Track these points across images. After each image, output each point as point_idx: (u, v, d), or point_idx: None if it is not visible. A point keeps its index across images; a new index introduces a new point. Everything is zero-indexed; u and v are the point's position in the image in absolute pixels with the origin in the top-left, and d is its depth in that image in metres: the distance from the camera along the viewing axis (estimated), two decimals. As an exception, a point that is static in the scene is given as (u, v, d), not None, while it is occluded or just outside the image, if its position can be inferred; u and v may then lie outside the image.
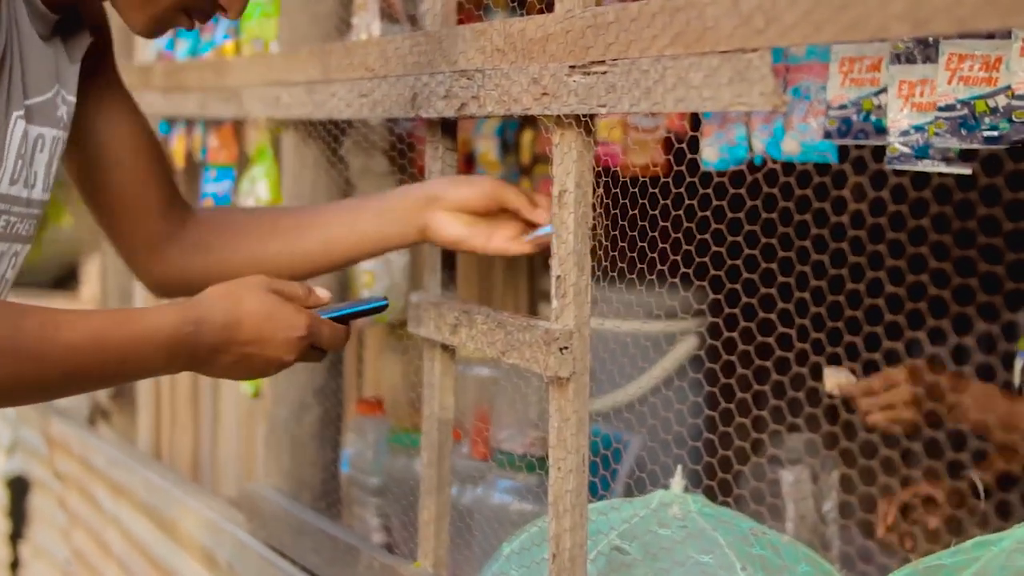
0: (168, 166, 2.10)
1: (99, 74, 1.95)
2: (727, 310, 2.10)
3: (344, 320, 1.83)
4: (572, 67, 1.84)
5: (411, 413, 3.20)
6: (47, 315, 1.54)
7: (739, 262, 2.03)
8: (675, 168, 2.04)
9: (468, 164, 3.42)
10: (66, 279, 9.81)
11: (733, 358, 2.14)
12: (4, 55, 1.60)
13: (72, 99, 1.78)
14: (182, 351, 1.62)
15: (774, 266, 2.09)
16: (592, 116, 1.86)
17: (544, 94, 1.90)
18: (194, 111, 3.34)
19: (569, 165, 1.89)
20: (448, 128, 2.28)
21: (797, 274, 2.09)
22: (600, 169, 1.93)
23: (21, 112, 1.65)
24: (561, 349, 1.90)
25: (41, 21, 1.70)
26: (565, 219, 1.90)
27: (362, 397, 3.33)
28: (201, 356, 1.65)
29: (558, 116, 1.89)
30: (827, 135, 2.08)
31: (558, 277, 1.92)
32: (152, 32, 1.75)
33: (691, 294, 2.65)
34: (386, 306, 1.90)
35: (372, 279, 2.97)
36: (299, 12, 2.91)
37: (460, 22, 2.26)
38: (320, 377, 2.93)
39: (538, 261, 3.93)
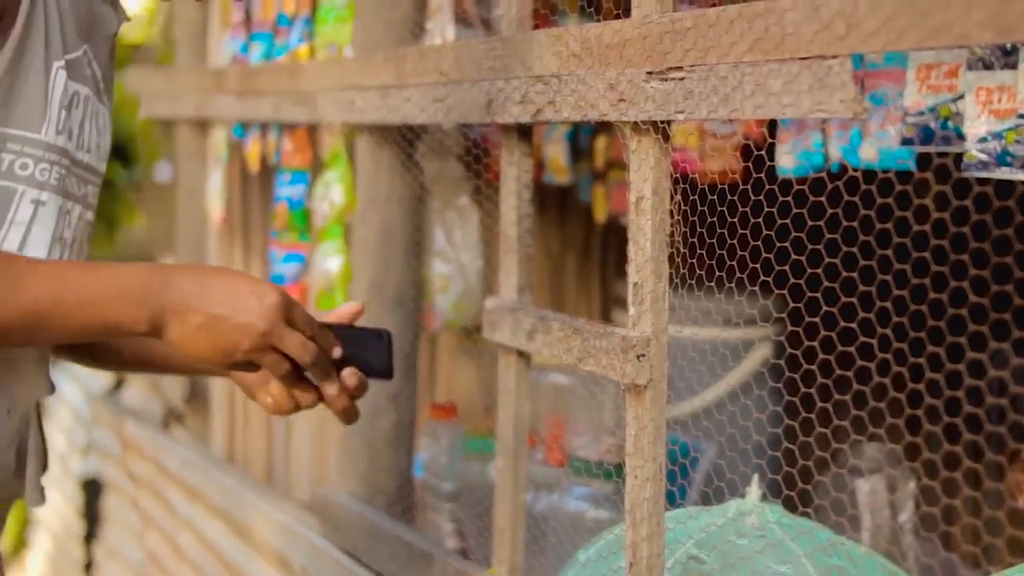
0: None
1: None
2: (806, 319, 2.08)
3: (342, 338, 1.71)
4: (649, 73, 1.82)
5: (485, 418, 3.19)
6: (9, 257, 1.50)
7: (819, 270, 2.00)
8: (753, 175, 2.01)
9: (538, 169, 3.38)
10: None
11: (812, 367, 2.11)
12: (35, 4, 1.58)
13: (97, 68, 1.74)
14: (149, 302, 1.53)
15: (855, 275, 2.06)
16: (669, 122, 1.84)
17: (621, 100, 1.88)
18: (268, 115, 3.34)
19: (646, 172, 1.88)
20: (524, 133, 2.27)
21: (878, 283, 2.06)
22: (678, 176, 1.92)
23: (62, 63, 1.63)
24: (638, 356, 1.89)
25: None
26: (643, 226, 1.89)
27: (435, 402, 3.31)
28: (169, 310, 1.54)
29: (635, 122, 1.87)
30: (905, 142, 2.04)
31: (635, 284, 1.91)
32: None
33: (769, 302, 2.64)
34: (387, 337, 1.75)
35: (446, 283, 2.97)
36: (373, 17, 2.90)
37: (535, 27, 2.25)
38: (394, 382, 2.92)
39: (611, 266, 3.93)
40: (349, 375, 1.71)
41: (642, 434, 1.90)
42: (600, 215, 3.50)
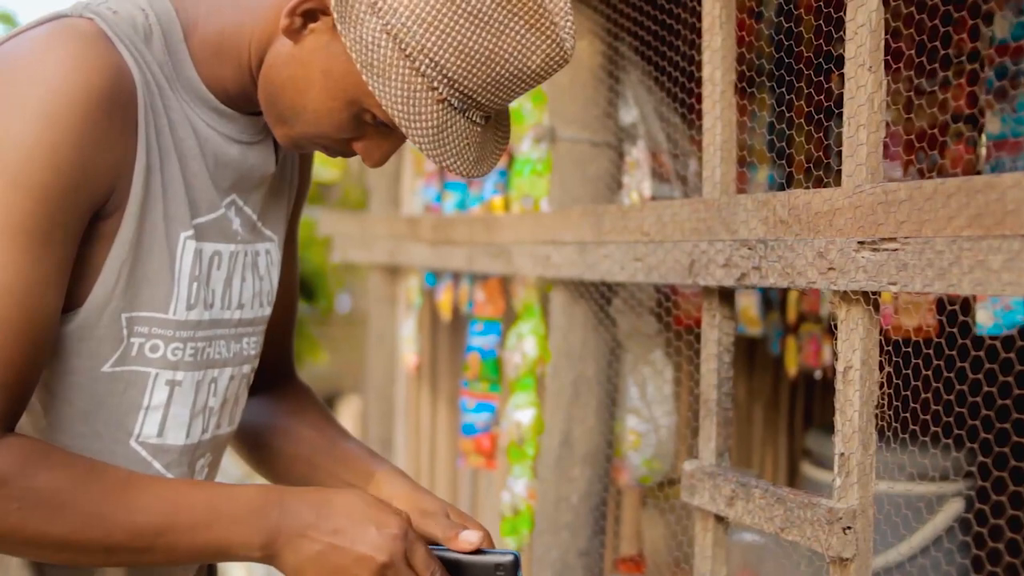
0: (291, 327, 1.99)
1: (292, 218, 1.91)
2: (995, 473, 2.03)
3: (454, 565, 1.63)
4: (861, 243, 1.80)
5: (674, 572, 3.16)
6: (124, 471, 1.47)
7: (1008, 425, 1.96)
8: (947, 330, 1.99)
9: None
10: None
11: (1001, 522, 2.07)
12: (151, 173, 1.53)
13: (250, 211, 1.72)
14: (263, 525, 1.48)
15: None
16: (879, 293, 1.82)
17: (831, 268, 1.87)
18: (461, 265, 3.38)
19: (855, 341, 1.86)
20: (725, 296, 2.26)
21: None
22: (880, 338, 1.89)
23: (190, 232, 1.59)
24: (844, 529, 1.85)
25: (229, 121, 1.64)
26: (851, 396, 1.86)
27: (620, 555, 3.29)
28: (284, 535, 1.49)
29: (845, 292, 1.85)
30: None
31: (841, 455, 1.88)
32: (293, 149, 1.67)
33: (961, 456, 2.58)
34: (510, 565, 1.64)
35: (639, 440, 2.95)
36: (571, 171, 2.93)
37: (740, 190, 2.25)
38: (583, 538, 2.90)
39: (799, 418, 3.88)
40: None
41: (848, 609, 1.86)
42: (791, 368, 3.47)
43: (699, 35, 2.30)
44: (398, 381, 4.14)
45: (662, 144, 2.95)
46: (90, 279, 1.50)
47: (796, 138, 2.96)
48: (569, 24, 1.52)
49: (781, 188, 3.07)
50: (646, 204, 2.46)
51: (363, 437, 4.53)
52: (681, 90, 2.79)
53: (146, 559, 1.47)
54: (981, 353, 2.00)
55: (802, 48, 2.81)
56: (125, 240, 1.51)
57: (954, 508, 2.86)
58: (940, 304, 2.72)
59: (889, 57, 1.86)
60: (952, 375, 1.96)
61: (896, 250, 1.74)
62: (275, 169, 1.74)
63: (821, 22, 2.43)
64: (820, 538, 1.89)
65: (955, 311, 2.17)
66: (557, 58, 1.51)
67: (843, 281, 1.84)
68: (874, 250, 1.78)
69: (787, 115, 2.85)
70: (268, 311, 1.77)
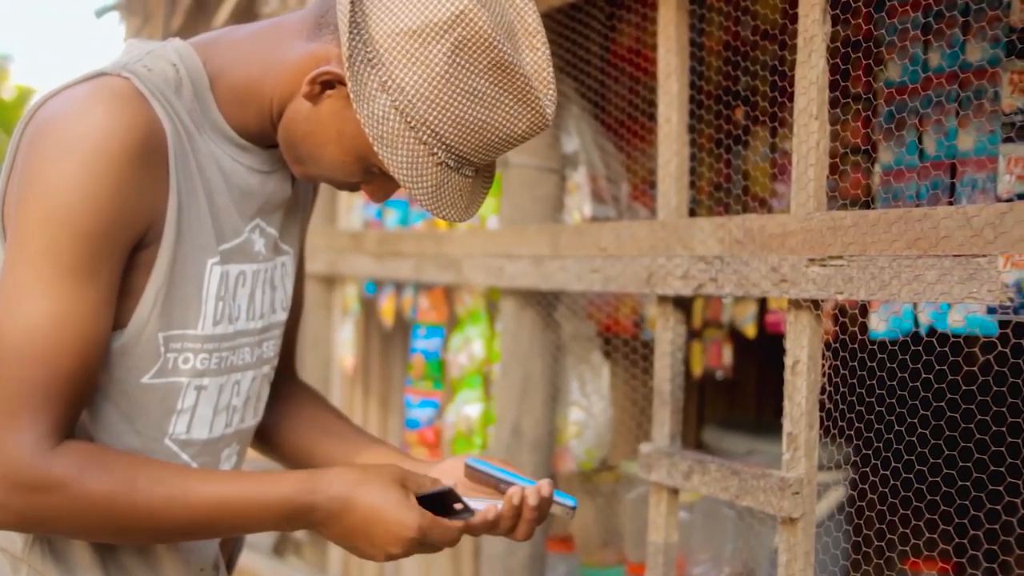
0: (296, 332, 2.20)
1: (302, 231, 2.11)
2: (875, 464, 2.36)
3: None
4: (811, 259, 2.20)
5: (599, 550, 3.52)
6: (166, 472, 1.67)
7: (892, 420, 2.27)
8: (841, 336, 2.33)
9: (635, 325, 3.67)
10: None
11: (875, 511, 2.43)
12: (182, 211, 1.72)
13: (273, 231, 1.92)
14: (297, 517, 1.69)
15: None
16: (824, 301, 2.22)
17: (783, 280, 2.27)
18: (408, 275, 3.73)
19: (804, 341, 2.26)
20: (680, 303, 2.65)
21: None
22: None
23: (216, 259, 1.78)
24: (794, 494, 2.25)
25: (251, 154, 1.84)
26: (799, 385, 2.26)
27: (552, 535, 3.59)
28: (317, 520, 1.70)
29: (796, 300, 2.25)
30: (991, 311, 2.29)
31: (790, 433, 2.27)
32: (307, 181, 1.92)
33: (850, 450, 2.92)
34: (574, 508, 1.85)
35: (580, 430, 3.32)
36: (520, 193, 3.30)
37: (691, 212, 2.63)
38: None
39: (701, 418, 4.26)
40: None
41: (794, 561, 2.26)
42: (696, 369, 3.83)
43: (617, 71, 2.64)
44: (333, 382, 4.46)
45: (600, 170, 3.33)
46: (131, 303, 1.71)
47: (699, 167, 3.33)
48: (551, 93, 1.77)
49: (691, 212, 3.40)
50: (604, 223, 2.83)
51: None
52: (615, 122, 3.17)
53: (194, 540, 1.78)
54: (864, 355, 2.35)
55: (708, 85, 3.18)
56: (161, 270, 1.71)
57: (836, 495, 3.23)
58: (842, 311, 3.01)
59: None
60: (847, 375, 2.31)
61: (843, 266, 2.14)
62: (291, 193, 1.96)
63: (727, 65, 2.77)
64: (772, 502, 2.28)
65: (852, 317, 2.50)
66: (540, 124, 1.77)
67: (795, 291, 2.24)
68: (823, 266, 2.18)
69: (697, 142, 3.21)
70: (285, 316, 2.01)
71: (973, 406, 2.19)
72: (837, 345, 2.36)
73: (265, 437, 2.13)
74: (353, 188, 1.87)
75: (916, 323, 2.53)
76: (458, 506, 1.75)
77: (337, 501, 1.69)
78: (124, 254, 1.67)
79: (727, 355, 3.64)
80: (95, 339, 1.64)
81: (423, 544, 1.71)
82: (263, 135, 1.83)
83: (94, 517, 1.63)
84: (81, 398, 1.65)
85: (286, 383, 2.19)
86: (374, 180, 1.83)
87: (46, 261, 1.60)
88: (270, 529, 1.71)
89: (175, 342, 1.75)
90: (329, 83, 1.71)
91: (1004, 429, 2.17)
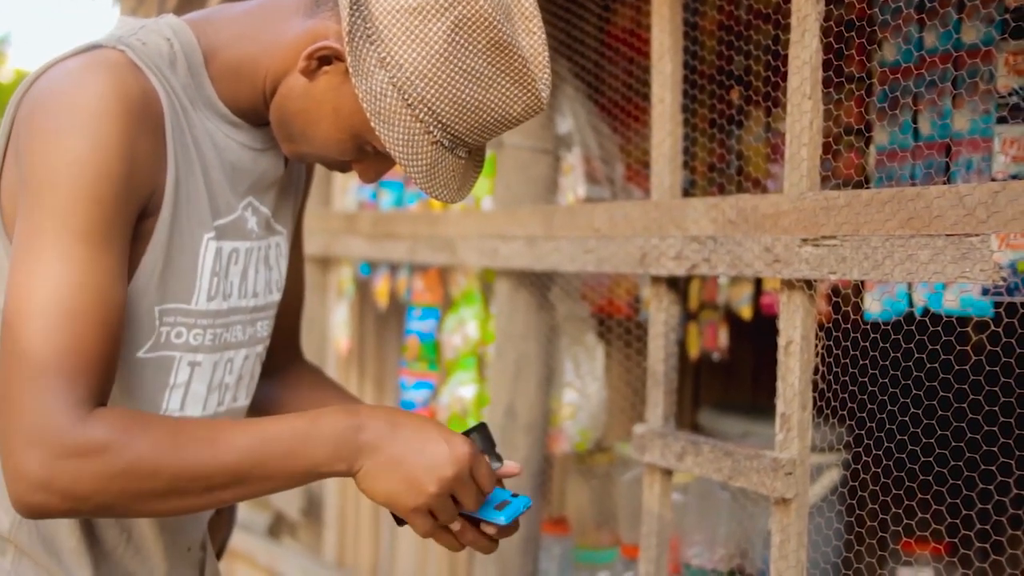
0: (299, 314, 2.21)
1: (299, 212, 2.12)
2: (868, 445, 2.36)
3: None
4: (804, 239, 2.20)
5: (594, 532, 3.52)
6: (204, 424, 1.62)
7: (886, 402, 2.28)
8: (837, 317, 2.32)
9: (632, 307, 3.66)
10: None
11: (870, 491, 2.42)
12: (179, 184, 1.71)
13: (265, 209, 1.91)
14: (346, 444, 1.63)
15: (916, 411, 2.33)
16: (818, 280, 2.21)
17: (776, 261, 2.26)
18: (402, 256, 3.72)
19: (797, 321, 2.25)
20: (673, 284, 2.64)
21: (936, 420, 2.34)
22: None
23: (212, 234, 1.78)
24: (787, 474, 2.24)
25: (244, 132, 1.83)
26: (792, 366, 2.25)
27: (548, 517, 3.62)
28: (365, 443, 1.64)
29: (789, 280, 2.25)
30: (985, 292, 2.33)
31: (783, 414, 2.27)
32: (298, 161, 1.91)
33: (844, 431, 2.93)
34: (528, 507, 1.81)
35: (574, 411, 3.32)
36: (515, 174, 3.29)
37: (687, 193, 2.62)
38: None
39: (698, 401, 4.26)
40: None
41: (787, 542, 2.26)
42: (693, 351, 3.83)
43: (613, 52, 2.64)
44: (328, 364, 4.45)
45: (594, 151, 3.33)
46: (129, 275, 1.68)
47: (694, 148, 3.32)
48: (547, 77, 1.76)
49: (686, 192, 3.41)
50: (597, 204, 2.82)
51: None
52: (610, 103, 3.17)
53: (246, 491, 1.63)
54: (859, 336, 2.35)
55: (703, 66, 3.19)
56: (158, 243, 1.69)
57: (831, 477, 3.24)
58: (836, 292, 3.02)
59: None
60: (840, 355, 2.31)
61: (836, 246, 2.13)
62: (284, 172, 1.95)
63: (723, 45, 2.78)
64: (766, 483, 2.28)
65: (846, 298, 2.50)
66: (535, 107, 1.77)
67: (787, 271, 2.23)
68: (816, 246, 2.17)
69: (693, 123, 3.20)
70: (278, 296, 2.00)
71: (967, 387, 2.19)
72: (831, 326, 2.35)
73: (268, 412, 2.10)
74: (343, 168, 1.86)
75: (911, 304, 2.55)
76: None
77: (385, 420, 1.65)
78: (133, 221, 1.65)
79: (723, 337, 3.64)
80: (115, 305, 1.61)
81: (469, 478, 1.66)
82: (255, 113, 1.82)
83: (144, 476, 1.55)
84: (110, 366, 1.61)
85: (292, 364, 2.19)
86: (366, 159, 1.83)
87: (62, 230, 1.57)
88: (318, 464, 1.63)
89: (169, 315, 1.74)
90: (326, 58, 1.70)
91: (998, 409, 2.17)
